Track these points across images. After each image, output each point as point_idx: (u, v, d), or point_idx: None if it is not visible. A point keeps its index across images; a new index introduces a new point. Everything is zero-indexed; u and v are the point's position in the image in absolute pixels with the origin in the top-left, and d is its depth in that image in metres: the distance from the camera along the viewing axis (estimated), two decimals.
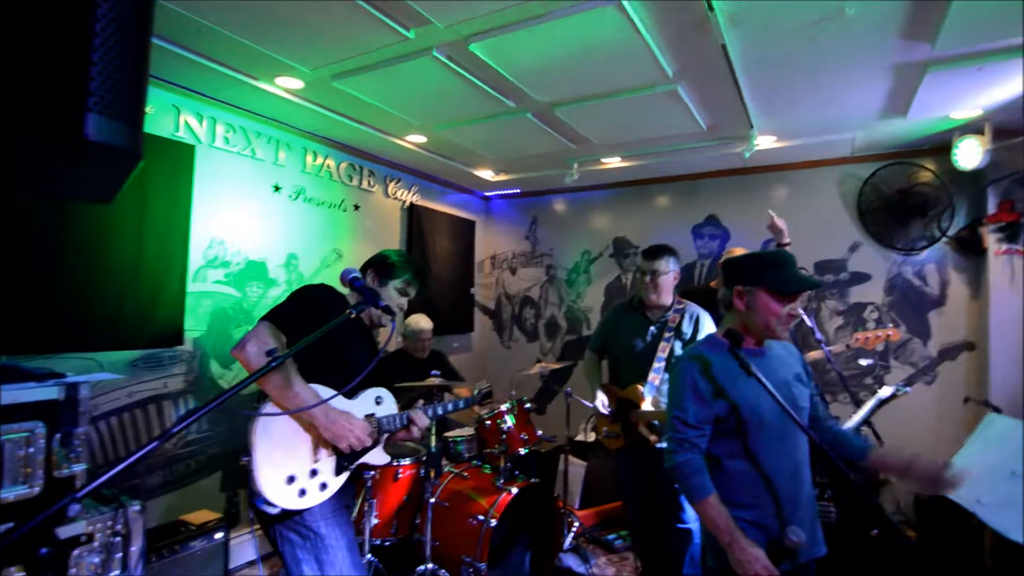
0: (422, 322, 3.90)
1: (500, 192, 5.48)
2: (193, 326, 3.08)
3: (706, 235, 4.55)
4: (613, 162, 4.25)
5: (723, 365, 1.61)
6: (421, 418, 1.94)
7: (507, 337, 5.54)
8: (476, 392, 2.38)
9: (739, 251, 3.17)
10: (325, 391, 1.70)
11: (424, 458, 3.05)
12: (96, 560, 1.52)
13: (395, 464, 3.11)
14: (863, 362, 2.58)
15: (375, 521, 3.02)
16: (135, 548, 1.58)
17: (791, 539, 1.43)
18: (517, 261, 5.52)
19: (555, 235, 5.31)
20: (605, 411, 2.80)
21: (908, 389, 2.44)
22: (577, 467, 4.13)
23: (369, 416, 1.85)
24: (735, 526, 1.50)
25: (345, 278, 1.66)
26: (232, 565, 2.73)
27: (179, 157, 2.92)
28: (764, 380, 1.47)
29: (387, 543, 3.10)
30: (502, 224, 5.62)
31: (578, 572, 3.36)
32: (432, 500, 2.98)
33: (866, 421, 2.51)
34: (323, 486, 1.68)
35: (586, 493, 4.11)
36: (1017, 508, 1.54)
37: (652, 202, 4.82)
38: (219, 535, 2.67)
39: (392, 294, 1.93)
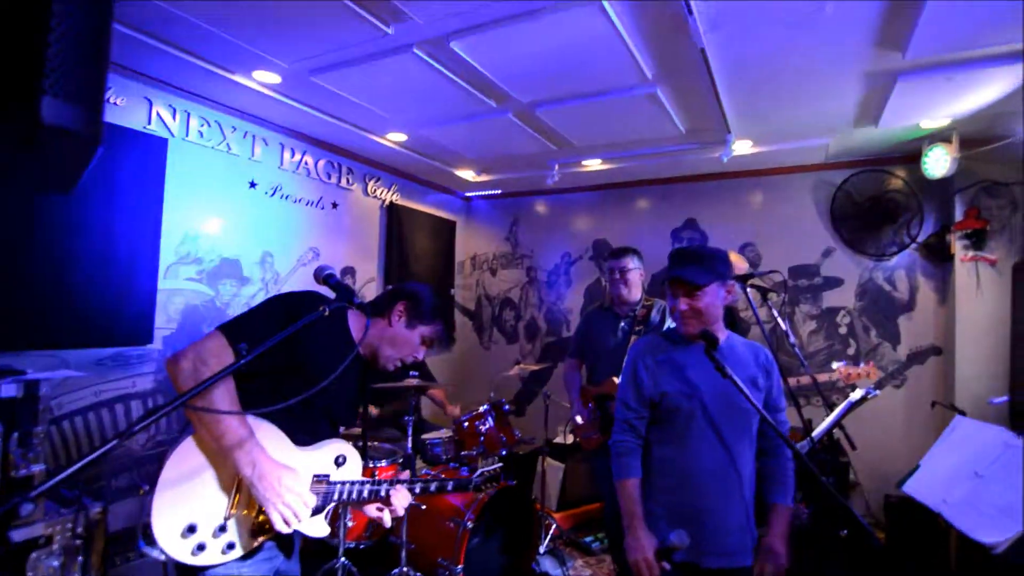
0: None
1: (481, 193, 5.47)
2: (164, 324, 3.01)
3: (685, 239, 4.60)
4: (593, 164, 4.28)
5: (669, 353, 1.69)
6: (402, 496, 1.55)
7: (487, 338, 5.52)
8: (476, 474, 1.89)
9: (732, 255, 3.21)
10: (273, 431, 1.39)
11: (400, 460, 3.02)
12: (55, 564, 1.45)
13: (371, 466, 3.07)
14: (835, 365, 2.63)
15: (350, 524, 2.98)
16: (96, 551, 1.52)
17: (671, 539, 1.48)
18: (497, 262, 5.51)
19: (536, 237, 5.32)
20: (582, 422, 2.86)
21: (877, 392, 2.49)
22: (555, 469, 4.13)
23: (320, 479, 1.46)
24: (639, 514, 1.59)
25: (320, 274, 1.46)
26: None
27: (151, 150, 2.85)
28: (736, 378, 1.47)
29: (362, 546, 3.05)
30: (483, 225, 5.61)
31: (554, 575, 3.36)
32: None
33: (837, 424, 2.55)
34: (229, 547, 1.34)
35: (563, 495, 4.12)
36: (979, 508, 1.58)
37: (632, 205, 4.86)
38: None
39: (415, 339, 1.62)
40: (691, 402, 1.61)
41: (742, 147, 3.72)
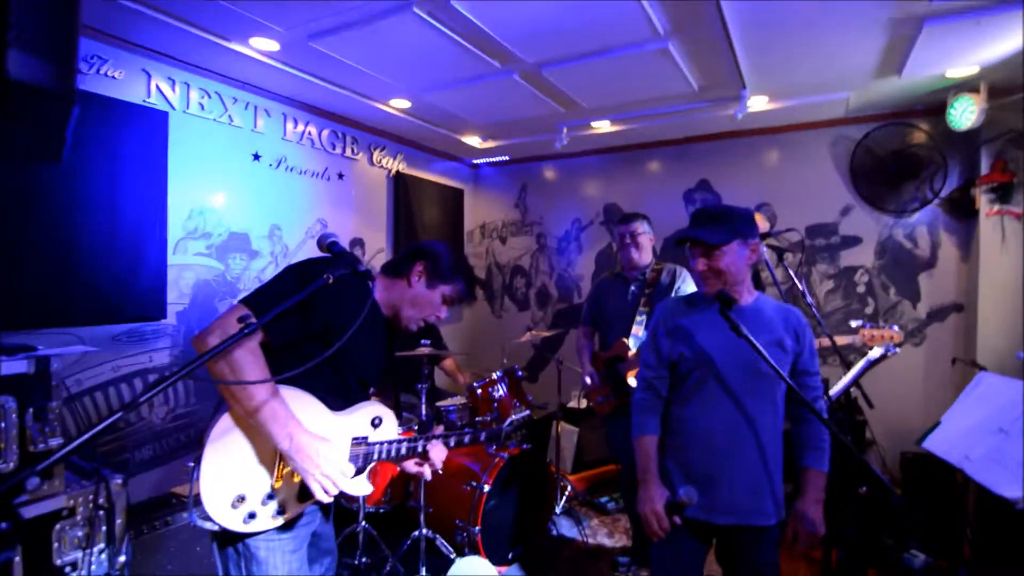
0: None
1: (488, 160, 5.38)
2: (176, 299, 3.03)
3: (698, 200, 4.50)
4: (603, 126, 4.16)
5: (690, 315, 1.69)
6: (438, 450, 1.60)
7: (498, 307, 5.52)
8: (507, 423, 1.99)
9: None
10: (308, 399, 1.41)
11: (416, 427, 3.05)
12: (80, 534, 1.49)
13: None
14: (853, 324, 2.57)
15: (369, 490, 3.04)
16: (119, 521, 1.56)
17: (680, 495, 1.52)
18: (507, 230, 5.45)
19: (545, 203, 5.24)
20: (591, 383, 2.88)
21: (897, 350, 2.44)
22: (569, 433, 4.16)
23: (359, 441, 1.50)
24: (653, 470, 1.64)
25: (323, 242, 1.42)
26: None
27: (152, 124, 2.81)
28: (753, 340, 1.44)
29: (381, 510, 3.12)
30: (491, 192, 5.53)
31: (570, 536, 3.42)
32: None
33: (855, 382, 2.51)
34: (279, 511, 1.39)
35: (578, 458, 4.16)
36: (1004, 464, 1.55)
37: (643, 168, 4.75)
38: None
39: (436, 299, 1.60)
40: (706, 364, 1.61)
41: (758, 103, 3.58)
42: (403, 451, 1.55)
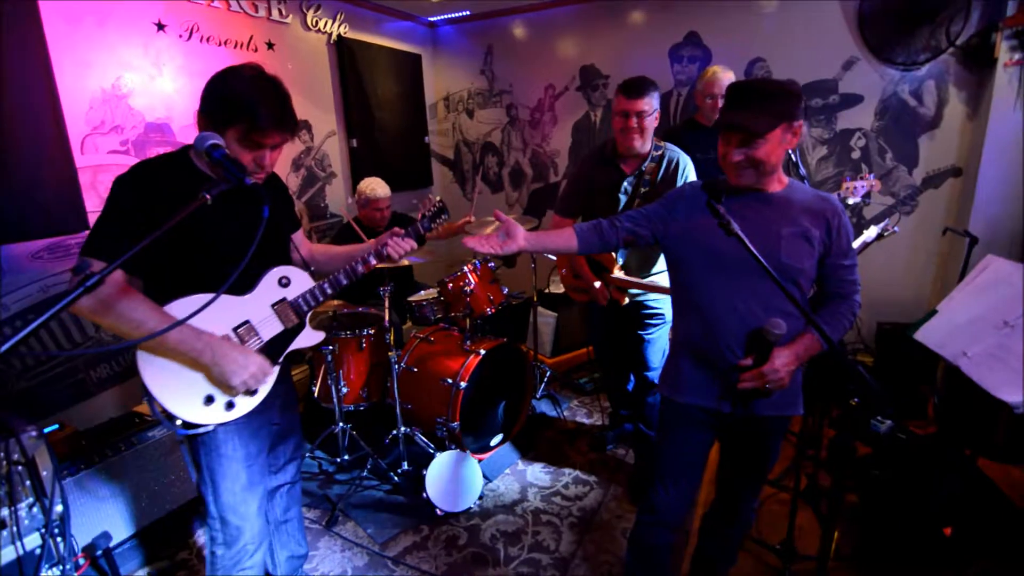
0: (377, 189, 3.38)
1: (447, 16, 4.67)
2: (98, 207, 2.66)
3: (685, 57, 4.00)
4: None
5: (701, 202, 1.50)
6: (399, 245, 1.63)
7: (470, 189, 5.16)
8: (424, 217, 1.78)
9: (719, 72, 2.74)
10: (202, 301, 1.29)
11: (386, 325, 2.91)
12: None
13: (358, 334, 2.98)
14: (851, 201, 2.36)
15: (345, 390, 2.98)
16: (46, 472, 1.42)
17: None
18: (474, 101, 4.91)
19: (514, 67, 4.65)
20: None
21: (896, 229, 2.26)
22: (547, 318, 4.09)
23: (279, 303, 1.51)
24: (535, 235, 1.58)
25: (201, 146, 1.17)
26: None
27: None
28: (741, 234, 1.25)
29: (362, 408, 3.09)
30: (453, 57, 4.89)
31: (551, 417, 3.47)
32: (400, 367, 2.92)
33: None
34: (250, 392, 1.45)
35: (558, 342, 4.14)
36: (1006, 362, 1.43)
37: (624, 20, 4.14)
38: (179, 420, 2.57)
39: (236, 152, 1.30)
40: (720, 254, 1.47)
41: None
42: (341, 279, 1.58)
